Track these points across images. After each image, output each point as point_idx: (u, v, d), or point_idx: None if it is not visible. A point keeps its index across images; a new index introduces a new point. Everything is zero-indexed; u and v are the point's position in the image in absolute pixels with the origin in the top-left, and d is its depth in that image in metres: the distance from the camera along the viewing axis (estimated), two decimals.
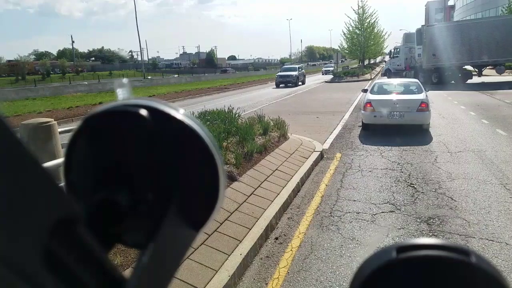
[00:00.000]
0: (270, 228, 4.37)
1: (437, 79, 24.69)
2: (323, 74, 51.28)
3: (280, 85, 31.10)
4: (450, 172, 6.15)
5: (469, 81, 24.63)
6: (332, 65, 56.21)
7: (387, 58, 57.37)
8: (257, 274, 3.55)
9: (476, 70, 25.73)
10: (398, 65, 30.39)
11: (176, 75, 59.32)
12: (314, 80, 39.91)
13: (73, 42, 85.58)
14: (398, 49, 31.68)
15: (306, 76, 37.39)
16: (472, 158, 6.92)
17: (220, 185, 0.35)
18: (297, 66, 35.88)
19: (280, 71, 34.38)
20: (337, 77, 37.23)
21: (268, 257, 3.84)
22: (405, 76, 26.51)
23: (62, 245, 0.27)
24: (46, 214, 0.27)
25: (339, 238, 4.09)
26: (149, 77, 48.96)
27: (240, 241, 3.90)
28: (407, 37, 32.60)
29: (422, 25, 27.66)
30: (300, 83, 32.69)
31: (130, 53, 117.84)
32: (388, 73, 30.64)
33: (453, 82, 24.20)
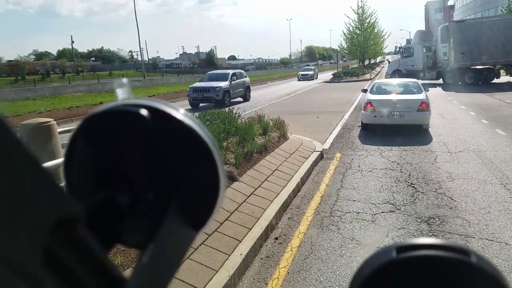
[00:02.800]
0: (270, 228, 4.37)
1: (472, 79, 22.92)
2: (299, 80, 40.71)
3: (201, 104, 17.99)
4: (450, 172, 6.15)
5: (494, 80, 23.50)
6: (312, 67, 47.17)
7: (390, 58, 54.35)
8: (257, 274, 3.55)
9: (505, 69, 24.17)
10: (412, 66, 26.45)
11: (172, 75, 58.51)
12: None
13: (72, 42, 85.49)
14: (412, 48, 27.30)
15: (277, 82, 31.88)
16: (472, 158, 6.92)
17: (220, 185, 0.35)
18: (230, 71, 20.02)
19: (201, 80, 19.83)
20: (337, 77, 37.08)
21: (268, 257, 3.84)
22: (424, 78, 24.62)
23: (62, 245, 0.27)
24: (46, 214, 0.27)
25: (339, 238, 4.09)
26: (149, 78, 48.88)
27: (240, 241, 3.90)
28: (422, 35, 29.16)
29: (449, 21, 25.98)
30: (239, 98, 19.54)
31: (130, 53, 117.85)
32: (398, 75, 25.22)
33: (480, 82, 22.92)
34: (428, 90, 10.09)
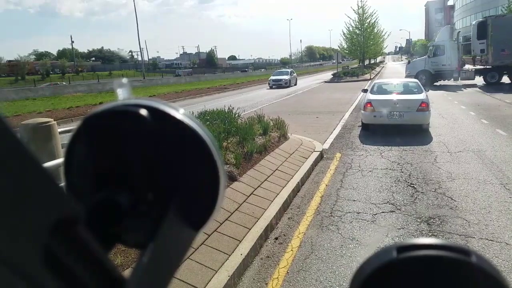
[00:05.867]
0: (270, 228, 4.36)
1: None
2: (270, 87, 30.97)
3: None
4: (450, 172, 6.15)
5: None
6: (288, 70, 34.80)
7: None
8: (257, 274, 3.55)
9: None
10: (443, 65, 23.50)
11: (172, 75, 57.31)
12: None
13: (72, 42, 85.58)
14: (443, 46, 23.88)
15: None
16: (472, 158, 6.92)
17: (220, 185, 0.35)
18: None
19: None
20: (337, 77, 37.04)
21: (268, 257, 3.84)
22: (459, 78, 23.00)
23: (62, 245, 0.27)
24: (46, 214, 0.27)
25: (339, 238, 4.09)
26: (149, 78, 48.80)
27: (240, 241, 3.89)
28: (450, 31, 26.16)
29: (487, 17, 24.33)
30: None
31: (130, 53, 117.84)
32: (424, 76, 23.00)
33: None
34: (428, 90, 10.10)
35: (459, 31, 26.69)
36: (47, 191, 0.27)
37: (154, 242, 0.32)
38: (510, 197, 4.99)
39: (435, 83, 23.10)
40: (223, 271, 3.36)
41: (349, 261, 3.63)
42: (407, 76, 23.12)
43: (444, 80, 23.39)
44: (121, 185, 0.34)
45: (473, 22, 24.89)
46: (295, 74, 34.73)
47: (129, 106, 0.34)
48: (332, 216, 4.68)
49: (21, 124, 4.13)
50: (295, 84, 32.71)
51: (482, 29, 22.71)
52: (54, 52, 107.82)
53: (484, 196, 5.05)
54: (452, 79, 23.29)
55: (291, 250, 3.92)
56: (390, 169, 6.51)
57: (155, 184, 0.35)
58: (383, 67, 65.69)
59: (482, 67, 23.36)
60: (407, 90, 10.01)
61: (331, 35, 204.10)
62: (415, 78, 23.21)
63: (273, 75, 33.64)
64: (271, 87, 30.92)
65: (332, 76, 38.19)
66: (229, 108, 8.49)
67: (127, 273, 0.33)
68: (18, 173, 0.25)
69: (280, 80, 31.47)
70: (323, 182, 6.04)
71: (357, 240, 4.03)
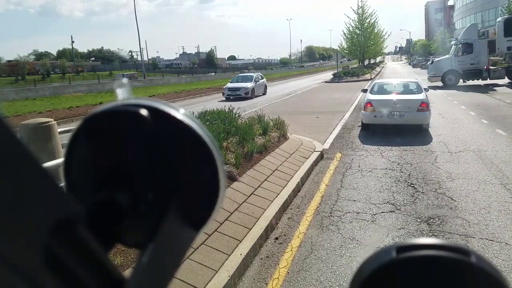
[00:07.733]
0: (270, 228, 4.36)
1: None
2: (226, 99, 21.54)
3: None
4: (450, 172, 6.15)
5: None
6: (253, 75, 25.05)
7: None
8: (257, 274, 3.55)
9: None
10: (472, 64, 22.12)
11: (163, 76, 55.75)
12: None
13: (72, 42, 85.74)
14: (470, 44, 22.32)
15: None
16: (472, 158, 6.92)
17: (220, 185, 0.35)
18: None
19: None
20: (337, 77, 37.03)
21: (268, 257, 3.84)
22: (490, 77, 21.85)
23: (62, 245, 0.27)
24: (46, 214, 0.27)
25: (339, 238, 4.09)
26: (149, 78, 48.76)
27: (240, 241, 3.89)
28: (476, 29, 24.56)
29: None
30: None
31: (130, 53, 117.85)
32: (453, 76, 22.28)
33: None
34: (428, 90, 10.12)
35: (480, 29, 25.78)
36: (47, 191, 0.27)
37: (154, 242, 0.32)
38: (510, 197, 4.99)
39: (458, 84, 22.20)
40: (223, 271, 3.36)
41: (349, 261, 3.63)
42: (430, 77, 22.01)
43: (472, 80, 22.38)
44: (121, 185, 0.34)
45: (499, 19, 23.63)
46: (264, 80, 25.40)
47: (129, 106, 0.34)
48: (332, 216, 4.68)
49: (21, 124, 4.13)
50: (264, 93, 24.07)
51: (510, 25, 21.42)
52: (54, 52, 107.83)
53: (484, 196, 5.05)
54: (482, 78, 22.29)
55: (291, 250, 3.92)
56: (390, 169, 6.51)
57: (155, 184, 0.35)
58: (383, 67, 65.72)
59: (507, 65, 22.41)
60: (407, 90, 10.02)
61: (331, 35, 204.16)
62: (441, 79, 22.18)
63: (231, 82, 24.39)
64: (227, 98, 21.66)
65: (332, 76, 38.15)
66: (229, 108, 8.49)
67: (127, 273, 0.33)
68: (18, 173, 0.25)
69: (239, 89, 22.02)
70: (323, 182, 6.04)
71: (357, 240, 4.03)
